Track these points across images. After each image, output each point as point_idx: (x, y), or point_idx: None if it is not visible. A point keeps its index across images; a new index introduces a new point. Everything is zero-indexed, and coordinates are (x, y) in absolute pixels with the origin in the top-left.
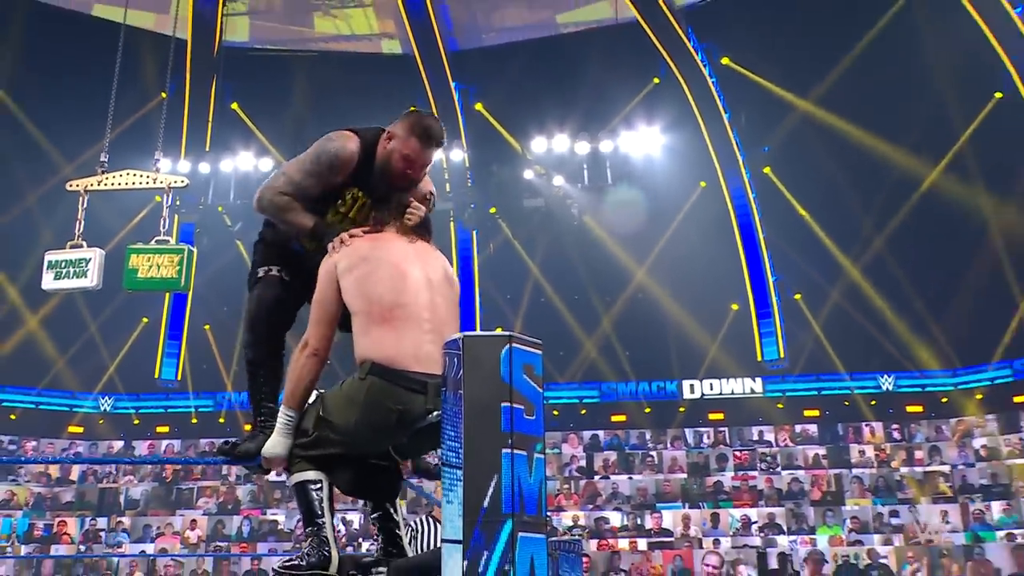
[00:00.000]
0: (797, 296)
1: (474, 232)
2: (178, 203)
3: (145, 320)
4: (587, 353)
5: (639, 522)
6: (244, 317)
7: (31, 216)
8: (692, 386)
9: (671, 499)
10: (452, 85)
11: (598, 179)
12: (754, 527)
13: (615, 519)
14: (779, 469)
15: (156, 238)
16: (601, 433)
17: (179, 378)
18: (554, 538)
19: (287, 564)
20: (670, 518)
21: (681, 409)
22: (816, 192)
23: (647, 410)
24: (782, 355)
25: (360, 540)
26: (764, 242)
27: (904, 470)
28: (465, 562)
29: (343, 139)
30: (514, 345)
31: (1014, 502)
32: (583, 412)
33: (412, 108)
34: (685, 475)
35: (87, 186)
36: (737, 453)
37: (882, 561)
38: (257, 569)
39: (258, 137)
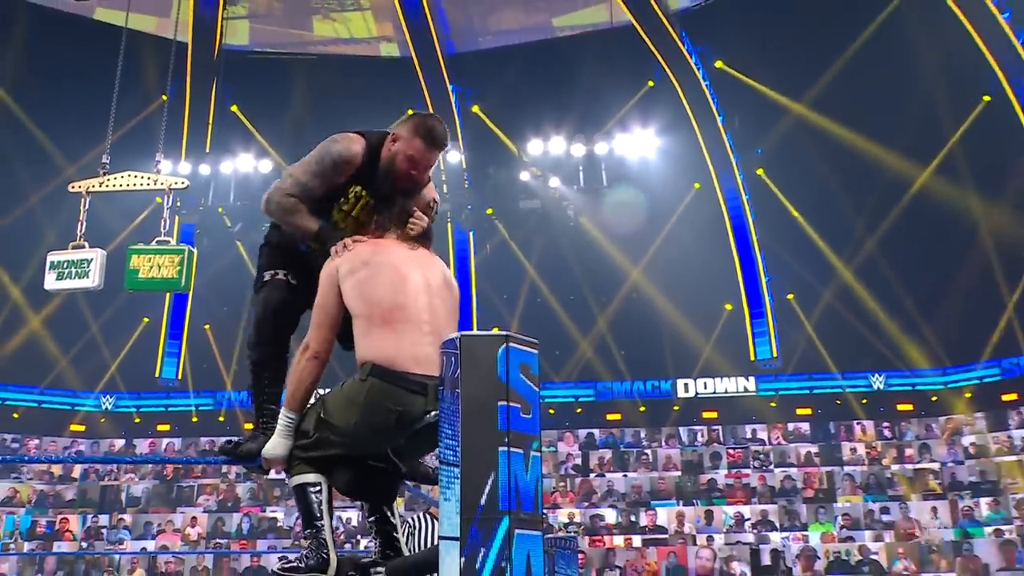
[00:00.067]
0: (790, 296)
1: (471, 233)
2: (179, 204)
3: (146, 320)
4: (583, 352)
5: (634, 519)
6: (250, 319)
7: (34, 217)
8: (686, 385)
9: (665, 496)
10: (449, 88)
11: (594, 181)
12: (747, 524)
13: (610, 516)
14: (772, 467)
15: (157, 239)
16: (596, 431)
17: (179, 377)
18: (550, 535)
19: (286, 566)
20: (664, 515)
21: (675, 408)
22: (809, 194)
23: (642, 409)
24: (775, 354)
25: (358, 537)
26: (757, 243)
27: (895, 467)
28: (462, 559)
29: (347, 140)
30: (511, 344)
31: (1002, 499)
32: (579, 411)
33: (411, 111)
34: (679, 473)
35: (89, 187)
36: (731, 451)
37: (873, 557)
38: (257, 566)
39: (258, 139)
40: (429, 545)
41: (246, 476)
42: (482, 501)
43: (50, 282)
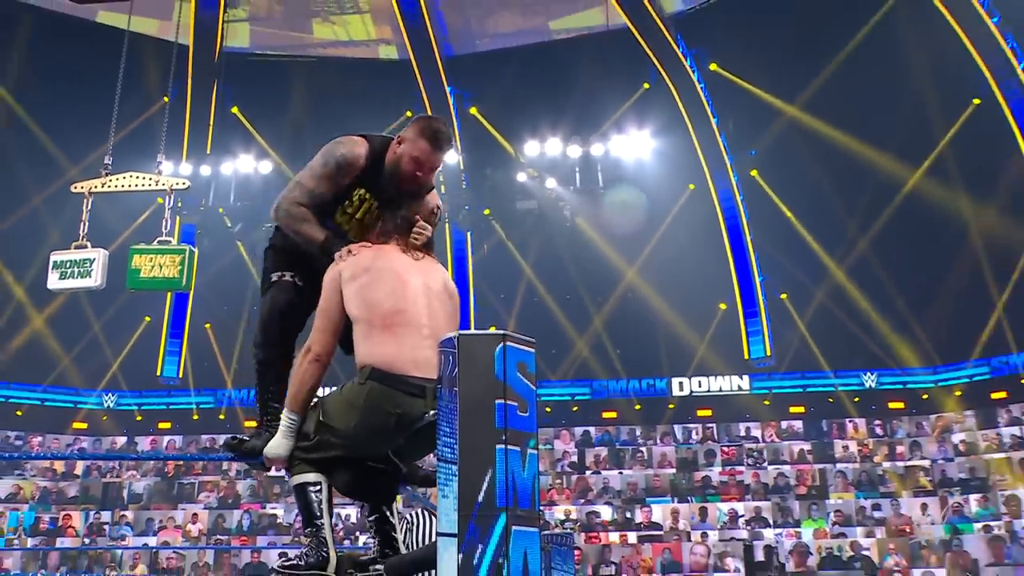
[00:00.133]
0: (783, 296)
1: (469, 233)
2: (180, 205)
3: (147, 319)
4: (579, 351)
5: (629, 516)
6: (257, 319)
7: (37, 217)
8: (681, 383)
9: (660, 493)
10: (447, 90)
11: (590, 182)
12: (741, 520)
13: (606, 513)
14: (765, 464)
15: (158, 239)
16: (592, 429)
17: (180, 375)
18: (547, 532)
19: (287, 565)
20: (659, 512)
21: (670, 406)
22: (802, 195)
23: (637, 407)
24: (768, 353)
25: (357, 533)
26: (751, 243)
27: (886, 465)
28: (460, 555)
29: (351, 143)
30: (508, 343)
31: (991, 495)
32: (575, 409)
33: (409, 112)
34: (674, 470)
35: (91, 188)
36: (725, 449)
37: (864, 553)
38: (257, 561)
39: (258, 140)
40: (427, 541)
41: (246, 473)
42: (480, 498)
43: (53, 281)
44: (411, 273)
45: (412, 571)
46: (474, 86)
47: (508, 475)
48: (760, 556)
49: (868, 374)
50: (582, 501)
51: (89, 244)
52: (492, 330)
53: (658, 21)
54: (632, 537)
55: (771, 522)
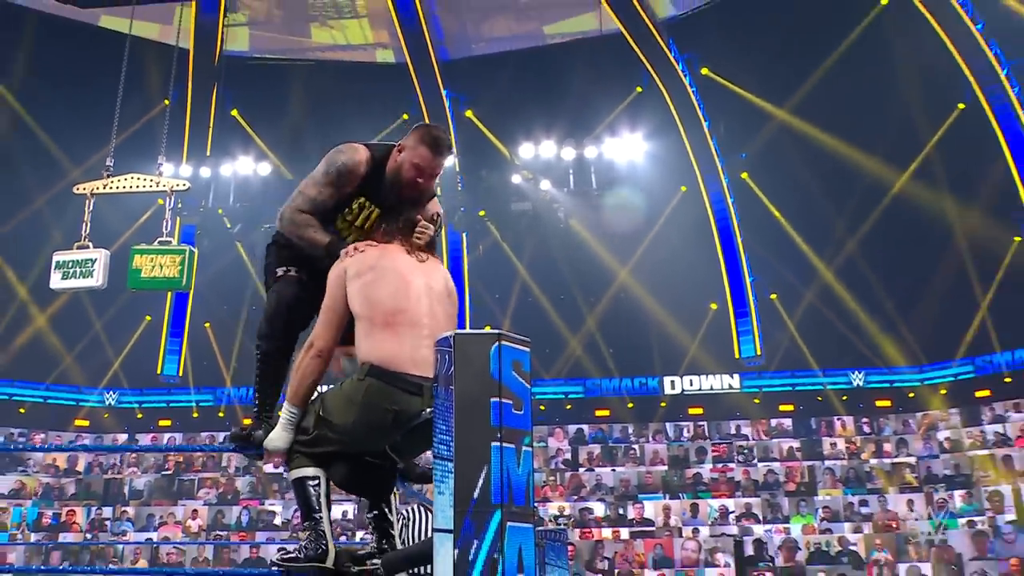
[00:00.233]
0: (773, 296)
1: (464, 234)
2: (180, 206)
3: (148, 318)
4: (572, 350)
5: (622, 512)
6: (263, 312)
7: (40, 218)
8: (673, 382)
9: (652, 490)
10: (443, 93)
11: (583, 184)
12: (731, 516)
13: (599, 509)
14: (755, 461)
15: (159, 239)
16: (586, 427)
17: (180, 374)
18: (541, 528)
19: (286, 557)
20: (651, 508)
21: (662, 404)
22: (791, 197)
23: (630, 405)
24: (758, 352)
25: (352, 529)
26: (742, 244)
27: (873, 462)
28: (456, 551)
29: (351, 150)
30: (503, 343)
31: (975, 491)
32: (568, 407)
33: (405, 115)
34: (666, 467)
35: (93, 189)
36: (715, 446)
37: (852, 548)
38: (256, 557)
39: (257, 143)
40: (424, 537)
41: (245, 470)
42: (475, 495)
43: (55, 281)
44: (414, 273)
45: (408, 566)
46: (470, 89)
47: (503, 472)
48: (750, 551)
49: (856, 373)
50: (575, 498)
51: (91, 244)
52: (487, 329)
53: (650, 26)
54: (625, 533)
55: (761, 518)
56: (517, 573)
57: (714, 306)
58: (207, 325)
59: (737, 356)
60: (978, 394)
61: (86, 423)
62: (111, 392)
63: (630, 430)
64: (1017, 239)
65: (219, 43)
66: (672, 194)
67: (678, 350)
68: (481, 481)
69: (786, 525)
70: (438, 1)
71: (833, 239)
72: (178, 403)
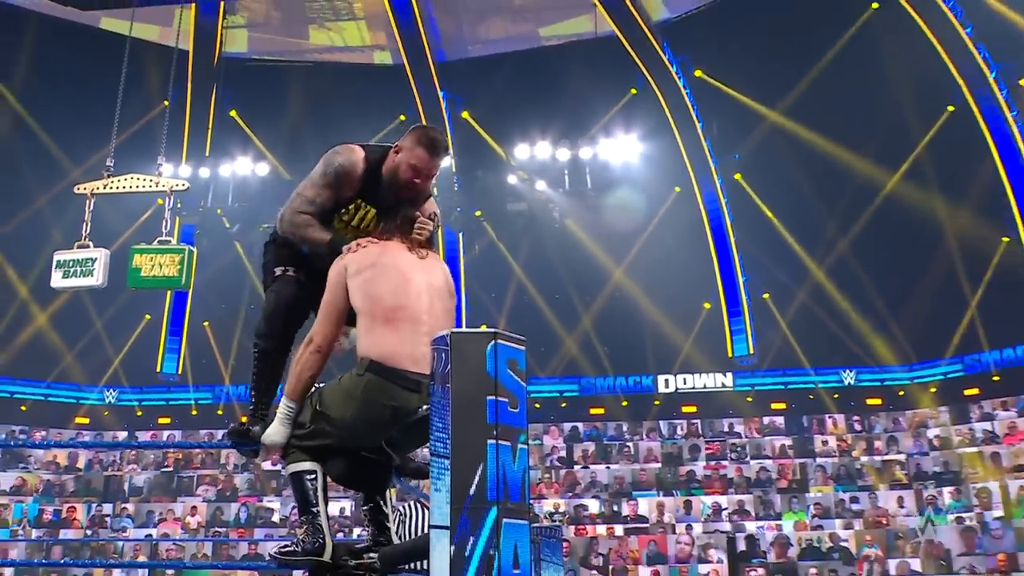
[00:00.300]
0: (766, 296)
1: (460, 234)
2: (179, 206)
3: (148, 317)
4: (567, 349)
5: (616, 509)
6: (261, 311)
7: (41, 218)
8: (667, 380)
9: (646, 487)
10: (440, 94)
11: (578, 184)
12: (724, 513)
13: (593, 506)
14: (748, 459)
15: (158, 239)
16: (580, 425)
17: (180, 372)
18: (536, 524)
19: (284, 550)
20: (645, 505)
21: (656, 402)
22: (784, 197)
23: (624, 403)
24: (751, 351)
25: (351, 526)
26: (735, 244)
27: (864, 459)
28: (452, 546)
29: (348, 151)
30: (499, 341)
31: (963, 488)
32: (563, 405)
33: (402, 116)
34: (660, 465)
35: (93, 189)
36: (709, 444)
37: (843, 544)
38: (254, 553)
39: (256, 143)
40: (420, 533)
41: (244, 467)
42: (471, 491)
43: (56, 280)
44: (414, 271)
45: (405, 561)
46: (466, 91)
47: (499, 469)
48: (743, 547)
49: (847, 371)
50: (570, 495)
51: (91, 244)
52: (483, 328)
53: (645, 29)
54: (619, 529)
55: (753, 515)
56: (512, 569)
57: (707, 305)
58: (206, 324)
59: (730, 355)
60: (967, 392)
61: (86, 421)
62: (111, 390)
63: (624, 428)
64: (1005, 239)
65: (218, 45)
66: (666, 194)
67: (672, 349)
68: (477, 478)
69: (778, 522)
70: (435, 3)
71: (825, 239)
72: (177, 401)
